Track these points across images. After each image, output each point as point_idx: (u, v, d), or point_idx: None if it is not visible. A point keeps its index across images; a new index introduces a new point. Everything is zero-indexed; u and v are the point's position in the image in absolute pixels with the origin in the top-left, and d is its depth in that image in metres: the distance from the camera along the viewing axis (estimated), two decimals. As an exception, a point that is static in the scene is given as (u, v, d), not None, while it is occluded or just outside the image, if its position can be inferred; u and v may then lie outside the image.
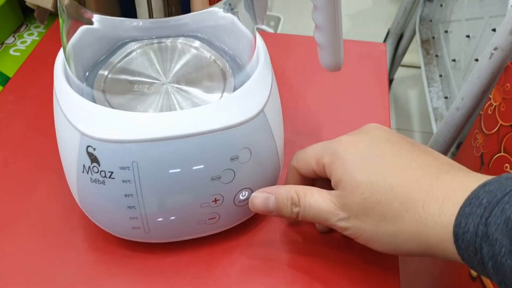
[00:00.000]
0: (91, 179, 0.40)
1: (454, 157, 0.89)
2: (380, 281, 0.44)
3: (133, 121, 0.39)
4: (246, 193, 0.43)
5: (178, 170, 0.39)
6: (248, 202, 0.44)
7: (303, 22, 1.83)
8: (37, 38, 0.73)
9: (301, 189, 0.41)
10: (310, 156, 0.43)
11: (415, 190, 0.36)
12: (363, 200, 0.37)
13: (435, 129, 0.94)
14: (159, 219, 0.42)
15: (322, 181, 0.43)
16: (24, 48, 0.71)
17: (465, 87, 0.70)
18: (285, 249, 0.46)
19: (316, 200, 0.40)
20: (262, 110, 0.41)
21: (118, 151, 0.38)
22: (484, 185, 0.33)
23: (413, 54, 1.44)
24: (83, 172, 0.40)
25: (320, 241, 0.46)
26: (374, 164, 0.39)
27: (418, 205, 0.35)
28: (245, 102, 0.41)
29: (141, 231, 0.43)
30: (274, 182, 0.46)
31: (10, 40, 0.72)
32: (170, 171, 0.39)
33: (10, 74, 0.65)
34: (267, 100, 0.42)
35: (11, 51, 0.70)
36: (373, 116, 0.58)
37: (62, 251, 0.45)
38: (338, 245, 0.46)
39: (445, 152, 0.77)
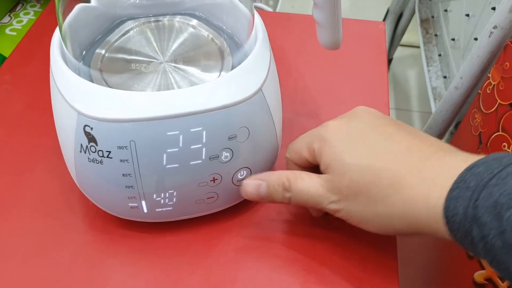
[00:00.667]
0: (88, 158, 0.40)
1: (452, 136, 0.89)
2: (377, 260, 0.44)
3: (131, 100, 0.38)
4: (244, 172, 0.43)
5: (176, 149, 0.39)
6: (246, 182, 0.44)
7: (301, 1, 1.82)
8: (34, 18, 0.72)
9: (292, 174, 0.41)
10: (301, 145, 0.43)
11: (403, 173, 0.36)
12: (352, 183, 0.38)
13: (434, 109, 0.93)
14: (157, 199, 0.42)
15: (318, 169, 0.43)
16: (20, 27, 0.70)
17: (464, 66, 0.70)
18: (282, 229, 0.46)
19: (306, 185, 0.40)
20: (260, 89, 0.41)
21: (116, 131, 0.38)
22: (471, 168, 0.33)
23: (412, 34, 1.43)
24: (80, 152, 0.40)
25: (318, 221, 0.46)
26: (362, 147, 0.39)
27: (406, 187, 0.36)
28: (243, 80, 0.41)
29: (140, 211, 0.43)
30: (272, 162, 0.46)
31: (6, 19, 0.71)
32: (168, 150, 0.39)
33: (6, 53, 0.64)
34: (265, 79, 0.42)
35: (7, 31, 0.70)
36: (372, 96, 0.58)
37: (60, 231, 0.45)
38: (335, 226, 0.46)
39: (444, 131, 0.77)
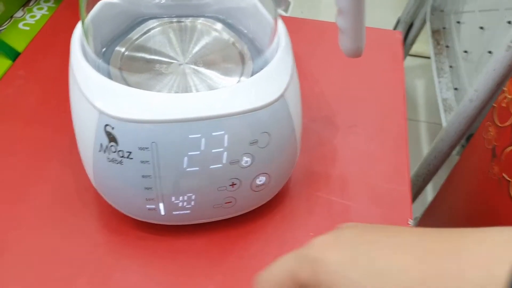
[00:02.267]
0: (108, 158, 0.39)
1: (463, 148, 0.89)
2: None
3: (154, 101, 0.38)
4: (264, 178, 0.43)
5: (197, 152, 0.39)
6: (265, 188, 0.43)
7: (310, 6, 1.82)
8: (47, 13, 0.71)
9: None
10: (282, 274, 0.31)
11: (437, 273, 0.26)
12: None
13: (444, 120, 0.93)
14: (175, 201, 0.41)
15: None
16: (33, 22, 0.70)
17: (479, 79, 0.70)
18: (298, 236, 0.46)
19: None
20: (282, 95, 0.41)
21: (138, 131, 0.38)
22: None
23: (422, 44, 1.43)
24: (100, 151, 0.40)
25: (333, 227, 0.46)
26: (370, 252, 0.28)
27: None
28: (266, 86, 0.40)
29: (157, 213, 0.42)
30: (290, 168, 0.45)
31: (19, 13, 0.71)
32: (189, 153, 0.39)
33: (19, 48, 0.64)
34: (288, 85, 0.42)
35: (20, 25, 0.69)
36: (389, 104, 0.58)
37: (73, 231, 0.45)
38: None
39: (455, 144, 0.77)
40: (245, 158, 0.41)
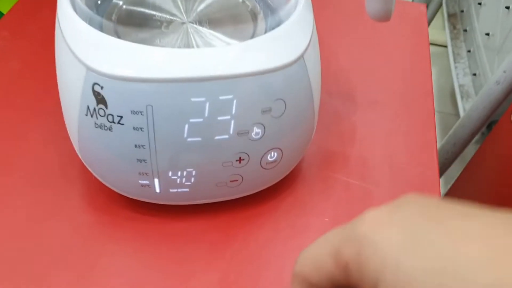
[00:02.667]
0: (95, 124, 0.34)
1: (484, 137, 0.83)
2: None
3: (151, 56, 0.32)
4: (275, 154, 0.37)
5: (200, 119, 0.33)
6: (276, 165, 0.38)
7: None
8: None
9: None
10: (323, 252, 0.26)
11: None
12: None
13: (461, 107, 0.88)
14: (173, 177, 0.36)
15: None
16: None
17: (509, 60, 0.64)
18: (312, 222, 0.40)
19: None
20: (301, 56, 0.35)
21: (131, 92, 0.32)
22: None
23: (435, 31, 1.37)
24: (86, 115, 0.34)
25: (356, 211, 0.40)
26: (435, 237, 0.22)
27: None
28: (284, 44, 0.35)
29: (151, 190, 0.36)
30: (306, 145, 0.40)
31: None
32: (191, 120, 0.33)
33: (4, 10, 0.58)
34: (308, 46, 0.36)
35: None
36: (413, 80, 0.52)
37: (56, 208, 0.39)
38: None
39: (476, 131, 0.71)
40: (256, 129, 0.35)
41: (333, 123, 0.47)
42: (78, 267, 0.36)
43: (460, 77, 0.92)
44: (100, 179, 0.38)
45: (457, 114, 0.98)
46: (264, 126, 0.35)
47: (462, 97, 0.89)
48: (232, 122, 0.34)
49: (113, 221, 0.38)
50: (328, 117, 0.46)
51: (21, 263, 0.36)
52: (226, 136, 0.34)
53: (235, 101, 0.33)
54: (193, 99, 0.32)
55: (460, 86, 0.90)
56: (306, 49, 0.35)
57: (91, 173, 0.38)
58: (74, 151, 0.38)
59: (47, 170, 0.41)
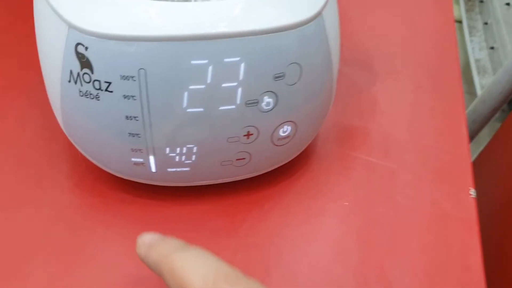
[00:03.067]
0: (80, 92, 0.29)
1: (506, 114, 0.78)
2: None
3: (143, 11, 0.27)
4: (288, 128, 0.32)
5: (202, 86, 0.28)
6: (289, 141, 0.33)
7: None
8: None
9: None
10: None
11: None
12: None
13: (477, 82, 0.83)
14: (170, 154, 0.31)
15: None
16: None
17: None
18: (329, 205, 0.35)
19: None
20: (320, 13, 0.30)
21: (120, 53, 0.27)
22: None
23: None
24: (69, 81, 0.29)
25: (374, 196, 0.36)
26: None
27: None
28: (299, -1, 0.30)
29: (146, 169, 0.32)
30: (322, 117, 0.35)
31: None
32: (191, 87, 0.28)
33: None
34: (327, 0, 0.31)
35: None
36: (437, 47, 0.47)
37: (38, 190, 0.35)
38: (399, 193, 0.35)
39: (498, 106, 0.66)
40: (267, 99, 0.30)
41: (350, 94, 0.42)
42: (62, 256, 0.31)
43: (476, 51, 0.87)
44: (88, 157, 0.33)
45: (470, 92, 0.92)
46: (276, 95, 0.30)
47: (478, 73, 0.83)
48: (239, 90, 0.29)
49: (102, 204, 0.34)
50: (344, 88, 0.41)
51: (-3, 252, 0.31)
52: (232, 107, 0.29)
53: (242, 65, 0.28)
54: (193, 62, 0.27)
55: (476, 61, 0.85)
56: (325, 4, 0.30)
57: (77, 150, 0.34)
58: (58, 125, 0.33)
59: (28, 148, 0.37)
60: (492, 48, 0.87)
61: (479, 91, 0.85)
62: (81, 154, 0.34)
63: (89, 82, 0.28)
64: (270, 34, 0.28)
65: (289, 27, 0.29)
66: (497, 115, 0.71)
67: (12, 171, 0.35)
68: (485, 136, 0.83)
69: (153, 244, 0.26)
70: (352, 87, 0.42)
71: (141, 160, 0.31)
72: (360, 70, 0.44)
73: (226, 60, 0.28)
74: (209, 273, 0.23)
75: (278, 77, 0.29)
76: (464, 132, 0.40)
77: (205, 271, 0.23)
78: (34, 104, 0.38)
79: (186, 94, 0.28)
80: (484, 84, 0.85)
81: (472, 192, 0.37)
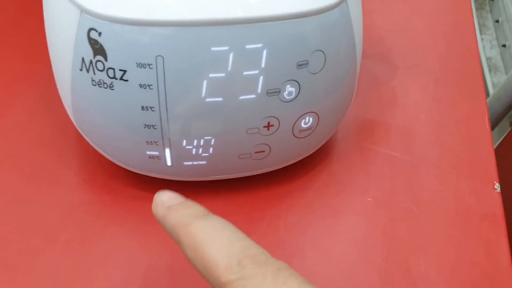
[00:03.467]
0: (92, 80, 0.27)
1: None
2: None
3: (161, -6, 0.26)
4: (311, 119, 0.31)
5: (222, 74, 0.27)
6: (310, 133, 0.31)
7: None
8: None
9: None
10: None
11: None
12: None
13: (488, 80, 0.81)
14: (187, 147, 0.29)
15: None
16: None
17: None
18: (351, 201, 0.34)
19: None
20: (345, -1, 0.29)
21: (136, 38, 0.26)
22: None
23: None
24: (81, 70, 0.28)
25: (397, 191, 0.34)
26: None
27: None
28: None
29: (161, 163, 0.30)
30: (345, 108, 0.33)
31: None
32: (211, 75, 0.27)
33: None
34: (352, -14, 0.29)
35: None
36: (456, 40, 0.45)
37: (47, 186, 0.33)
38: (422, 188, 0.34)
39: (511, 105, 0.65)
40: (289, 88, 0.28)
41: (370, 88, 0.40)
42: (73, 253, 0.30)
43: (487, 49, 0.86)
44: (100, 151, 0.32)
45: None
46: (299, 84, 0.28)
47: (490, 71, 0.82)
48: (261, 78, 0.27)
49: (115, 201, 0.32)
50: (364, 81, 0.40)
51: (5, 249, 0.30)
52: (253, 96, 0.28)
53: (265, 51, 0.27)
54: (213, 48, 0.26)
55: (488, 59, 0.84)
56: (350, -10, 0.29)
57: (87, 145, 0.32)
58: (68, 118, 0.32)
59: (36, 144, 0.35)
60: (504, 46, 0.86)
61: (491, 90, 0.84)
62: (92, 149, 0.32)
63: (102, 71, 0.27)
64: (293, 20, 0.27)
65: (313, 13, 0.27)
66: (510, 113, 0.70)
67: (20, 168, 0.34)
68: (495, 134, 0.81)
69: (172, 206, 0.24)
70: (371, 80, 0.41)
71: (157, 153, 0.30)
72: (379, 64, 0.42)
73: (248, 46, 0.26)
74: (235, 251, 0.21)
75: (301, 65, 0.28)
76: (486, 125, 0.39)
77: (230, 249, 0.21)
78: (42, 98, 0.37)
79: (205, 82, 0.27)
80: (496, 82, 0.84)
81: (497, 186, 0.35)
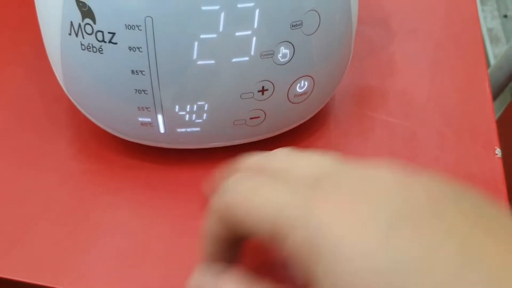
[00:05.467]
0: (81, 45, 0.27)
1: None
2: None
3: (149, -48, 0.25)
4: (306, 83, 0.30)
5: (214, 35, 0.26)
6: (306, 98, 0.31)
7: None
8: None
9: None
10: (269, 210, 0.20)
11: None
12: None
13: (490, 51, 0.80)
14: (180, 113, 0.29)
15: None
16: None
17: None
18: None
19: None
20: (340, -44, 0.28)
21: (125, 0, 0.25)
22: None
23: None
24: (70, 34, 0.27)
25: (395, 158, 0.33)
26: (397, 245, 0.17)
27: None
28: None
29: (154, 130, 0.30)
30: (341, 73, 0.33)
31: None
32: (202, 36, 0.26)
33: None
34: None
35: None
36: (456, 6, 0.44)
37: (39, 156, 0.33)
38: (422, 154, 0.33)
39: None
40: (283, 50, 0.28)
41: (368, 53, 0.39)
42: (67, 222, 0.29)
43: (488, 20, 0.84)
44: (91, 118, 0.31)
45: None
46: (293, 46, 0.28)
47: (491, 42, 0.81)
48: (254, 39, 0.27)
49: (108, 170, 0.32)
50: (361, 47, 0.39)
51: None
52: (246, 58, 0.27)
53: (257, 11, 0.26)
54: (204, 8, 0.25)
55: (489, 30, 0.83)
56: None
57: (80, 114, 0.32)
58: (61, 87, 0.31)
59: (29, 113, 0.34)
60: (505, 16, 0.85)
61: (492, 60, 0.83)
62: (84, 117, 0.32)
63: (91, 34, 0.26)
64: (286, -23, 0.26)
65: (307, -30, 0.26)
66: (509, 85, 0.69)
67: (14, 137, 0.33)
68: (496, 106, 0.80)
69: None
70: (369, 46, 0.40)
71: (149, 119, 0.29)
72: (377, 29, 0.42)
73: (240, 5, 0.25)
74: None
75: (295, 25, 0.27)
76: (487, 90, 0.38)
77: None
78: (33, 66, 0.36)
79: (196, 44, 0.26)
80: (497, 53, 0.83)
81: (498, 151, 0.35)
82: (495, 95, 0.67)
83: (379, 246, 0.17)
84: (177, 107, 0.28)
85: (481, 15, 0.87)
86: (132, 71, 0.27)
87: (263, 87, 0.29)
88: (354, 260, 0.17)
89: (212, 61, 0.27)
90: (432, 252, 0.17)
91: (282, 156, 0.24)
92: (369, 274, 0.17)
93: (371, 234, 0.17)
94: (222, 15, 0.25)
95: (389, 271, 0.17)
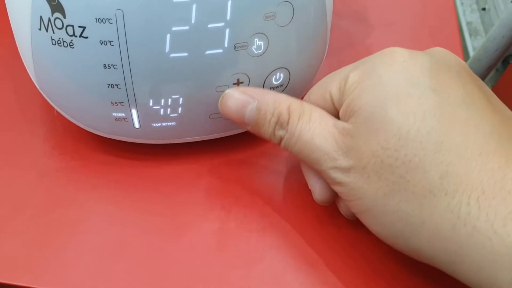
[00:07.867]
0: (52, 40, 0.26)
1: (499, 74, 0.77)
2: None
3: None
4: (281, 76, 0.30)
5: (186, 27, 0.26)
6: (282, 91, 0.31)
7: None
8: None
9: (298, 106, 0.27)
10: (333, 80, 0.27)
11: (475, 166, 0.22)
12: (384, 151, 0.23)
13: (469, 44, 0.81)
14: (154, 107, 0.28)
15: None
16: None
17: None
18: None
19: (312, 129, 0.26)
20: None
21: (94, -8, 0.25)
22: None
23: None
24: (40, 29, 0.26)
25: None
26: (424, 102, 0.23)
27: (471, 194, 0.22)
28: None
29: (128, 125, 0.29)
30: (318, 65, 0.33)
31: None
32: (174, 29, 0.26)
33: None
34: None
35: None
36: (435, 2, 0.44)
37: (14, 154, 0.32)
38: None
39: (493, 64, 0.64)
40: (257, 41, 0.28)
41: (345, 46, 0.39)
42: (43, 220, 0.29)
43: (467, 14, 0.85)
44: (65, 115, 0.31)
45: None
46: (267, 37, 0.28)
47: (470, 35, 0.82)
48: (227, 31, 0.26)
49: (83, 167, 0.31)
50: (338, 41, 0.39)
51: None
52: (220, 50, 0.27)
53: (230, 2, 0.26)
54: (175, 0, 0.25)
55: (468, 23, 0.83)
56: None
57: (53, 111, 0.31)
58: (33, 84, 0.30)
59: (1, 110, 0.34)
60: (483, 9, 0.85)
61: (471, 53, 0.83)
62: (58, 114, 0.31)
63: (61, 28, 0.26)
64: (258, -33, 0.26)
65: (279, -40, 0.26)
66: (491, 74, 0.69)
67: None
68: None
69: None
70: (346, 39, 0.40)
71: (123, 114, 0.29)
72: (354, 23, 0.42)
73: (212, -2, 0.25)
74: None
75: (268, 17, 0.27)
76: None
77: None
78: (6, 64, 0.36)
79: (168, 36, 0.26)
80: (477, 46, 0.84)
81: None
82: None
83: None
84: (151, 101, 0.28)
85: (460, 8, 0.87)
86: (104, 65, 0.26)
87: (238, 79, 0.29)
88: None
89: (185, 54, 0.27)
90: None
91: None
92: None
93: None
94: (194, 6, 0.25)
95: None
